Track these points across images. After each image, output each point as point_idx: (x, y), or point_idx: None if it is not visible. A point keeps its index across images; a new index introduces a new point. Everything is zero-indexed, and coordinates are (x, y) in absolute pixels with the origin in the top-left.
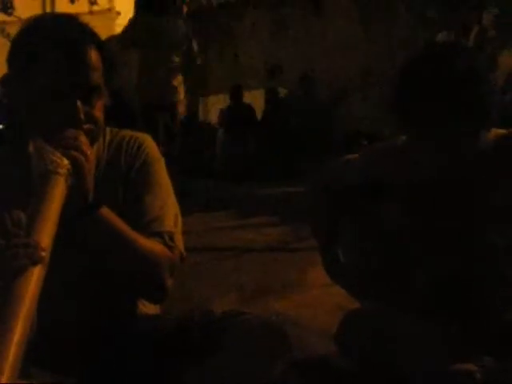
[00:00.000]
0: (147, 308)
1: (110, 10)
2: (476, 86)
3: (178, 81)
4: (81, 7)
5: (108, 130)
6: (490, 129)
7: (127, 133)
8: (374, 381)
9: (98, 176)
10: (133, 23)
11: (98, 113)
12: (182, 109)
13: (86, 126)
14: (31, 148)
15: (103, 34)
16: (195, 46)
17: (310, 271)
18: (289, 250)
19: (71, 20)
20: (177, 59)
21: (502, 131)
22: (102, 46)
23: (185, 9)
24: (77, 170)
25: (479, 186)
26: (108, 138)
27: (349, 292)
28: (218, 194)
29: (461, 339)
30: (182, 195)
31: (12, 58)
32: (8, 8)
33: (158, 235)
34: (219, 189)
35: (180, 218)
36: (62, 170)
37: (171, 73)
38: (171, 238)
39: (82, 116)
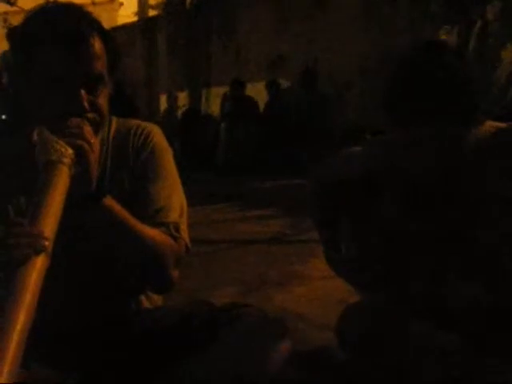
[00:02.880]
0: (149, 301)
1: (112, 0)
2: (460, 82)
3: None
4: None
5: (115, 119)
6: (481, 122)
7: (135, 122)
8: (373, 374)
9: (104, 165)
10: None
11: (102, 101)
12: None
13: (89, 115)
14: (35, 137)
15: (106, 25)
16: None
17: (311, 263)
18: (290, 243)
19: (74, 9)
20: None
21: (501, 124)
22: (105, 34)
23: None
24: (81, 158)
25: (477, 180)
26: (114, 127)
27: (350, 284)
28: (220, 187)
29: (460, 338)
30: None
31: (15, 48)
32: None
33: (164, 225)
34: (220, 181)
35: (186, 209)
36: (66, 160)
37: None
38: (176, 229)
39: (86, 105)
